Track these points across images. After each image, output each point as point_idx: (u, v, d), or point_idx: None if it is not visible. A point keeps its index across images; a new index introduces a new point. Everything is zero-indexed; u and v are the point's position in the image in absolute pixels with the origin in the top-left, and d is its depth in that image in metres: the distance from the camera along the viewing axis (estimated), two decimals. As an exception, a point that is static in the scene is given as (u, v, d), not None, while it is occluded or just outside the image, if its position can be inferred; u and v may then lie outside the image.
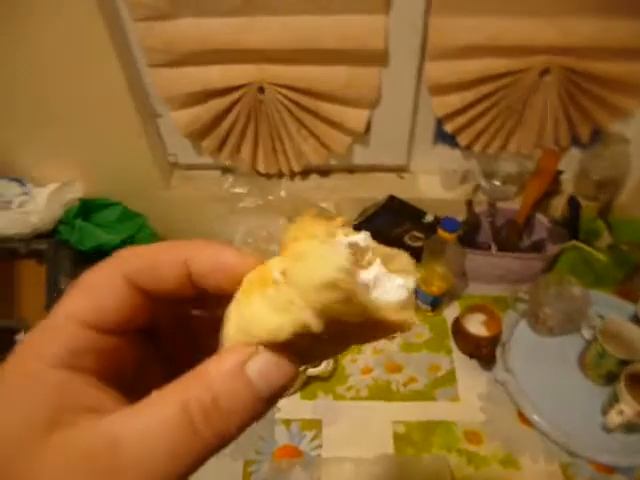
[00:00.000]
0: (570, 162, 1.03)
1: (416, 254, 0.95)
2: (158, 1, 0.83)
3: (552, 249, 0.96)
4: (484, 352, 0.88)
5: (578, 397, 0.85)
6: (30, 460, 0.15)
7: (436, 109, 0.96)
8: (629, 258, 0.95)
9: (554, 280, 0.92)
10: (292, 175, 1.10)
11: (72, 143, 1.02)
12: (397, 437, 0.83)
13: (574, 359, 0.89)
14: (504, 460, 0.79)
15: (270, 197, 1.01)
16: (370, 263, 0.19)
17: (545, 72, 0.88)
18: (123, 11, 0.86)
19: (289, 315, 0.16)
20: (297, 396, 0.88)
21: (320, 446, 0.82)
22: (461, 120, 0.96)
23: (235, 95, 0.94)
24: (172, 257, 0.20)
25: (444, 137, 1.03)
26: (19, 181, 1.05)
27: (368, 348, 0.96)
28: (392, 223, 1.05)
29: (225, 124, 0.98)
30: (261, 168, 1.06)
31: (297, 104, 0.94)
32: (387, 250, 0.20)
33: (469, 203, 0.98)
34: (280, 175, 1.10)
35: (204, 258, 0.20)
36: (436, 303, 0.98)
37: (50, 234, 1.00)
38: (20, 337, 1.06)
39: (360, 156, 1.07)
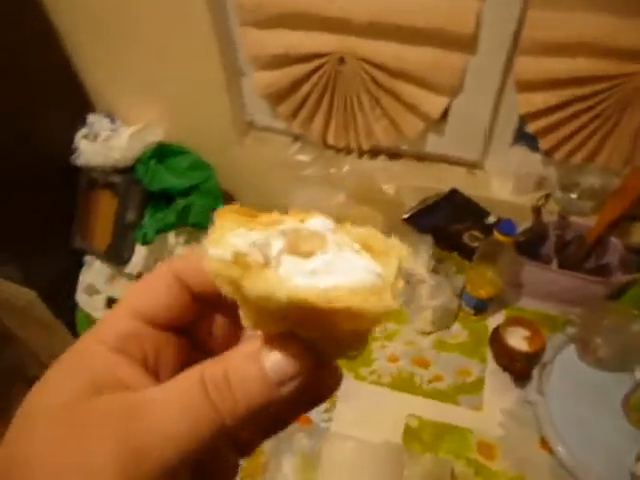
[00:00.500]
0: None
1: (472, 254, 0.91)
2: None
3: (620, 277, 0.87)
4: (518, 367, 0.83)
5: (612, 438, 0.78)
6: (71, 414, 0.18)
7: (521, 106, 0.90)
8: None
9: (614, 310, 0.84)
10: (360, 153, 1.09)
11: (159, 90, 1.09)
12: (408, 430, 0.82)
13: (618, 397, 0.82)
14: (514, 480, 0.76)
15: (332, 170, 1.01)
16: (321, 248, 0.18)
17: (652, 82, 0.79)
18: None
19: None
20: (319, 367, 0.90)
21: (330, 419, 0.83)
22: (546, 122, 0.90)
23: (316, 62, 0.94)
24: None
25: (525, 138, 0.97)
26: (111, 118, 1.13)
27: (399, 338, 0.95)
28: (452, 218, 1.01)
29: (302, 91, 0.99)
30: (331, 140, 1.06)
31: (375, 80, 0.93)
32: (366, 234, 0.19)
33: (537, 211, 0.92)
34: (348, 151, 1.09)
35: None
36: (480, 307, 0.94)
37: (127, 170, 1.08)
38: (87, 259, 1.16)
39: (432, 145, 1.03)
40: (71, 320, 1.21)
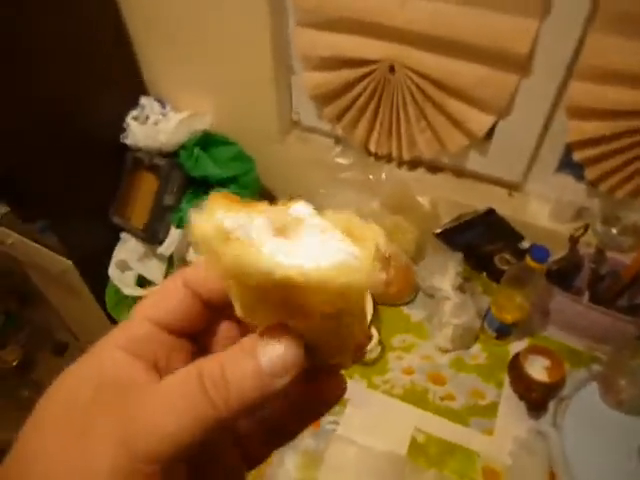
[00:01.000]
0: None
1: (501, 277, 0.90)
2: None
3: (654, 319, 0.84)
4: (534, 397, 0.81)
5: (625, 483, 0.76)
6: (77, 414, 0.19)
7: (570, 133, 0.88)
8: None
9: (644, 352, 0.81)
10: (400, 162, 1.09)
11: (211, 81, 1.12)
12: (414, 444, 0.81)
13: (635, 443, 0.79)
14: (516, 511, 0.74)
15: (370, 176, 1.02)
16: (303, 232, 0.19)
17: None
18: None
19: None
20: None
21: (337, 423, 0.84)
22: (594, 152, 0.87)
23: (366, 69, 0.95)
24: None
25: (570, 165, 0.94)
26: (161, 102, 1.17)
27: (417, 352, 0.94)
28: (485, 238, 1.00)
29: (350, 95, 1.00)
30: (372, 147, 1.07)
31: (423, 92, 0.92)
32: (346, 220, 0.20)
33: (574, 240, 0.90)
34: (389, 159, 1.09)
35: None
36: (503, 331, 0.93)
37: (171, 155, 1.11)
38: (123, 235, 1.20)
39: (473, 161, 1.02)
40: (101, 292, 1.25)
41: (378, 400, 0.88)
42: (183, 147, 1.11)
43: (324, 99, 1.05)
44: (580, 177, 0.94)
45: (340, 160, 1.05)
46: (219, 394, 0.18)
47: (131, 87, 1.18)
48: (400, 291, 1.01)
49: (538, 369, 0.85)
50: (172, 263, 1.18)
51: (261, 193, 1.21)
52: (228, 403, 0.18)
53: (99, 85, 1.09)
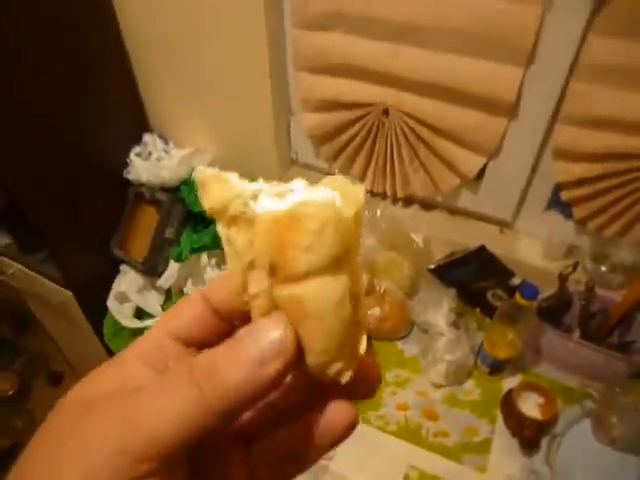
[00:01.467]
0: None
1: (494, 313, 0.91)
2: (319, 15, 0.91)
3: (644, 356, 0.86)
4: (526, 434, 0.82)
5: (619, 523, 0.75)
6: (85, 411, 0.20)
7: (557, 174, 0.92)
8: None
9: (635, 390, 0.82)
10: (394, 200, 1.12)
11: (213, 119, 1.16)
12: (407, 481, 0.81)
13: (629, 481, 0.79)
14: None
15: (366, 213, 1.04)
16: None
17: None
18: (286, 15, 0.96)
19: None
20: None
21: (330, 458, 0.84)
22: (581, 192, 0.91)
23: (361, 111, 0.99)
24: None
25: (559, 204, 0.97)
26: (164, 139, 1.21)
27: (411, 387, 0.95)
28: (477, 274, 1.02)
29: (346, 135, 1.04)
30: (367, 185, 1.10)
31: (416, 134, 0.96)
32: (333, 179, 0.22)
33: (564, 278, 0.92)
34: (384, 197, 1.12)
35: None
36: (496, 367, 0.94)
37: (173, 190, 1.14)
38: (122, 268, 1.22)
39: (466, 200, 1.06)
40: (99, 323, 1.26)
41: (372, 436, 0.88)
42: (185, 182, 1.14)
43: (321, 139, 1.09)
44: (569, 215, 0.97)
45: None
46: (208, 384, 0.19)
47: (135, 124, 1.22)
48: (395, 326, 1.03)
49: (531, 406, 0.86)
50: (170, 296, 1.20)
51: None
52: (216, 392, 0.18)
53: (104, 121, 1.13)
